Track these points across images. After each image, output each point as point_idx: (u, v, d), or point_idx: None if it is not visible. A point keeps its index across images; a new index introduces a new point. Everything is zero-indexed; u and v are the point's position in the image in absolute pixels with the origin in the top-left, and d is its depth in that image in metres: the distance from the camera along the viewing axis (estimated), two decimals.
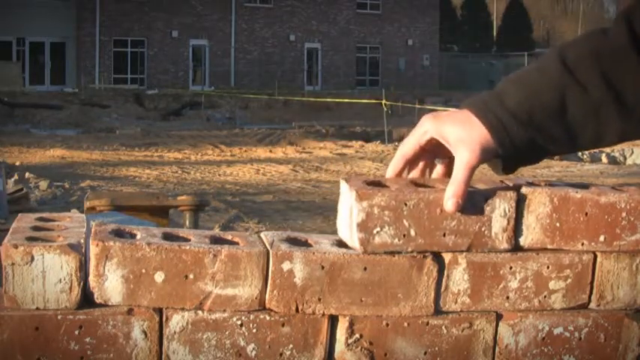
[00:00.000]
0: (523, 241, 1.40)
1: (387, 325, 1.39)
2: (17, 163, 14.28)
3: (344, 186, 1.41)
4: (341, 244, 1.40)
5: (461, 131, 1.32)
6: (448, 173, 1.39)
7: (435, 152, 1.39)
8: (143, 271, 1.32)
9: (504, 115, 1.31)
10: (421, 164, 1.41)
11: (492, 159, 1.35)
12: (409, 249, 1.36)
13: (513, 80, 1.35)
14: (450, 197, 1.31)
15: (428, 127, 1.34)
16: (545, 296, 1.42)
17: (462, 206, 1.32)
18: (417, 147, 1.37)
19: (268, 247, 1.35)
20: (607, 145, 1.38)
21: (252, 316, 1.35)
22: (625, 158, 18.20)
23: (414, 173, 1.42)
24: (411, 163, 1.40)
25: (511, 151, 1.33)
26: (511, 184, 1.42)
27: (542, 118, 1.31)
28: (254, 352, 1.36)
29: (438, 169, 1.43)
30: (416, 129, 1.37)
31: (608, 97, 1.29)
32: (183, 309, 1.34)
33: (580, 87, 1.30)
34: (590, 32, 1.36)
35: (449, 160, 1.39)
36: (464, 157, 1.31)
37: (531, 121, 1.31)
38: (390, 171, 1.40)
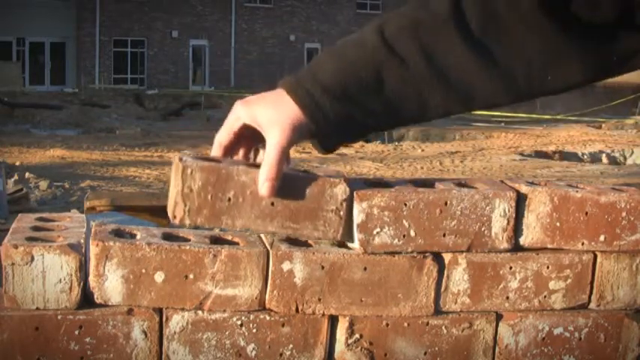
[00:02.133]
0: (523, 240, 1.40)
1: (387, 325, 1.39)
2: (17, 163, 14.27)
3: None
4: (341, 244, 1.40)
5: (272, 112, 1.25)
6: None
7: (255, 138, 1.32)
8: (143, 271, 1.32)
9: (317, 90, 1.24)
10: (241, 151, 1.35)
11: (309, 138, 1.29)
12: (409, 249, 1.36)
13: (329, 54, 1.28)
14: (264, 181, 1.25)
15: (240, 114, 1.28)
16: (545, 296, 1.42)
17: (277, 189, 1.26)
18: (231, 135, 1.31)
19: (268, 247, 1.35)
20: (431, 119, 1.31)
21: (252, 316, 1.35)
22: (625, 158, 18.20)
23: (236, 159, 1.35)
24: (232, 150, 1.34)
25: (326, 127, 1.26)
26: (511, 184, 1.42)
27: (359, 92, 1.24)
28: (254, 352, 1.36)
29: (261, 154, 1.35)
30: (229, 116, 1.31)
31: (429, 72, 1.24)
32: (183, 309, 1.34)
33: (399, 61, 1.23)
34: (414, 2, 1.28)
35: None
36: (274, 137, 1.25)
37: (346, 95, 1.24)
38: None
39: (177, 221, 1.29)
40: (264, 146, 1.31)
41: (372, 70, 1.25)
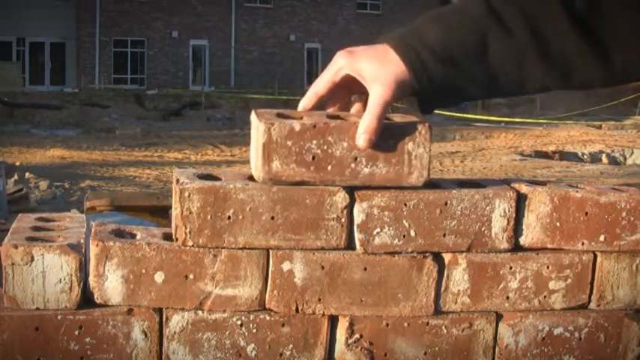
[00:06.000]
0: (523, 240, 1.40)
1: (387, 325, 1.39)
2: (17, 163, 14.26)
3: None
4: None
5: (376, 67, 1.26)
6: (365, 109, 1.31)
7: (350, 88, 1.33)
8: (143, 271, 1.32)
9: (423, 50, 1.25)
10: (337, 100, 1.35)
11: (409, 96, 1.29)
12: (409, 249, 1.36)
13: (433, 18, 1.29)
14: (362, 133, 1.26)
15: (343, 64, 1.29)
16: (545, 296, 1.42)
17: (374, 143, 1.26)
18: (331, 84, 1.31)
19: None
20: (528, 93, 1.33)
21: (252, 316, 1.35)
22: (625, 158, 18.21)
23: (331, 110, 1.35)
24: (328, 99, 1.34)
25: (428, 88, 1.27)
26: (511, 184, 1.42)
27: (463, 57, 1.26)
28: (254, 352, 1.36)
29: (356, 105, 1.36)
30: (330, 65, 1.31)
31: (532, 44, 1.25)
32: (183, 309, 1.34)
33: (503, 31, 1.25)
34: None
35: (366, 97, 1.31)
36: (378, 92, 1.26)
37: (451, 58, 1.26)
38: (301, 106, 1.34)
39: (180, 243, 1.31)
40: (359, 97, 1.33)
41: (476, 37, 1.26)
